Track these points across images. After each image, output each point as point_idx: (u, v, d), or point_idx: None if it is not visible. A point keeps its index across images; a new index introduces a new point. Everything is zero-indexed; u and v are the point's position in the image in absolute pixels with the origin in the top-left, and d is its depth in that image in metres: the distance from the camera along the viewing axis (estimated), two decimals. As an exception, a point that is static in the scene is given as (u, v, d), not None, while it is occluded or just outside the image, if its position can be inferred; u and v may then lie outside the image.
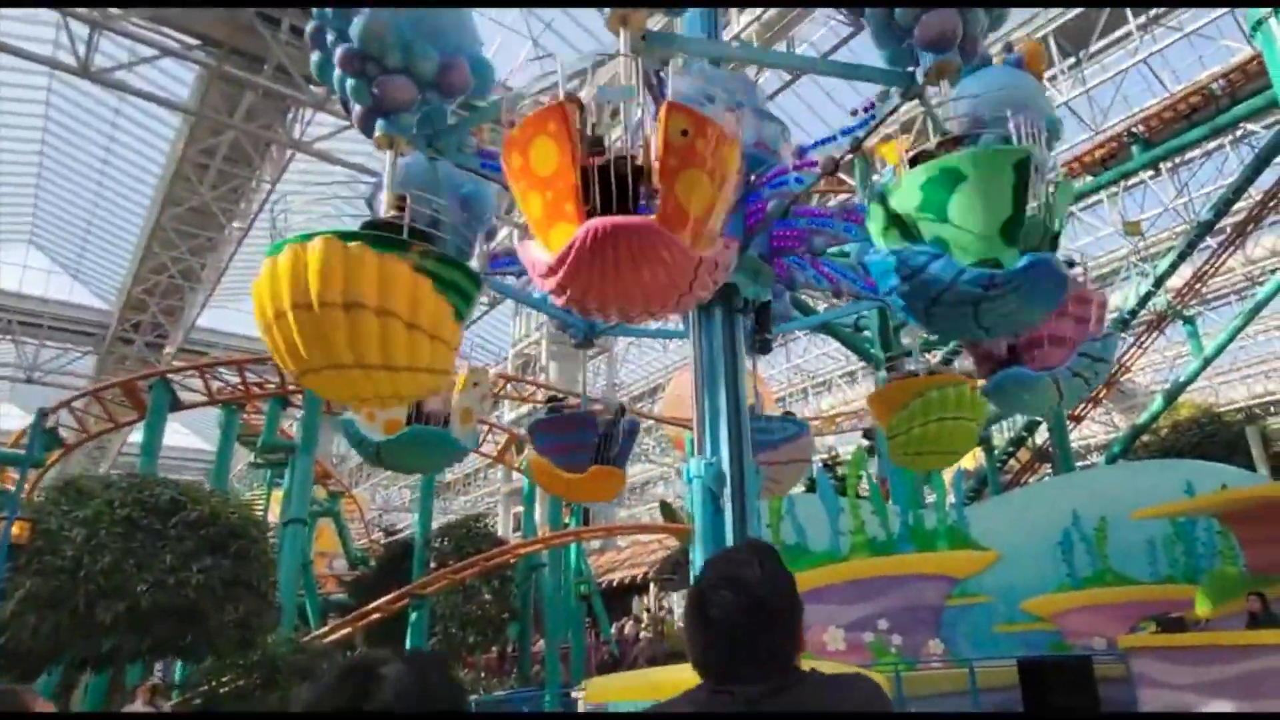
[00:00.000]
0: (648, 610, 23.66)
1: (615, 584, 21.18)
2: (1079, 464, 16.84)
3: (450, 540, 15.96)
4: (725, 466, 4.01)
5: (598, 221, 2.75)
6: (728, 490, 3.96)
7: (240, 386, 14.95)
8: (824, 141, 5.33)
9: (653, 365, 38.96)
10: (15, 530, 7.72)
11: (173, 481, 9.23)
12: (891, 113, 4.08)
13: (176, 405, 13.55)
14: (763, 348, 5.59)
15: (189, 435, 44.23)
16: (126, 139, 23.75)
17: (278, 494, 23.05)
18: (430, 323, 3.45)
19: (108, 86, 18.21)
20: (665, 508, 20.57)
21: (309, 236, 3.33)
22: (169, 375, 13.52)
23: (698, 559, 3.97)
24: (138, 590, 7.69)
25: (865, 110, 4.19)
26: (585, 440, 5.75)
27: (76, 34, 16.78)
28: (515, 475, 29.95)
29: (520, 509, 30.96)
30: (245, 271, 30.49)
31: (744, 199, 4.58)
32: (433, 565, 15.58)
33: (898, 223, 3.36)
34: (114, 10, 16.65)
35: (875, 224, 3.61)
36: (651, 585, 21.42)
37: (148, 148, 23.75)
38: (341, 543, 26.76)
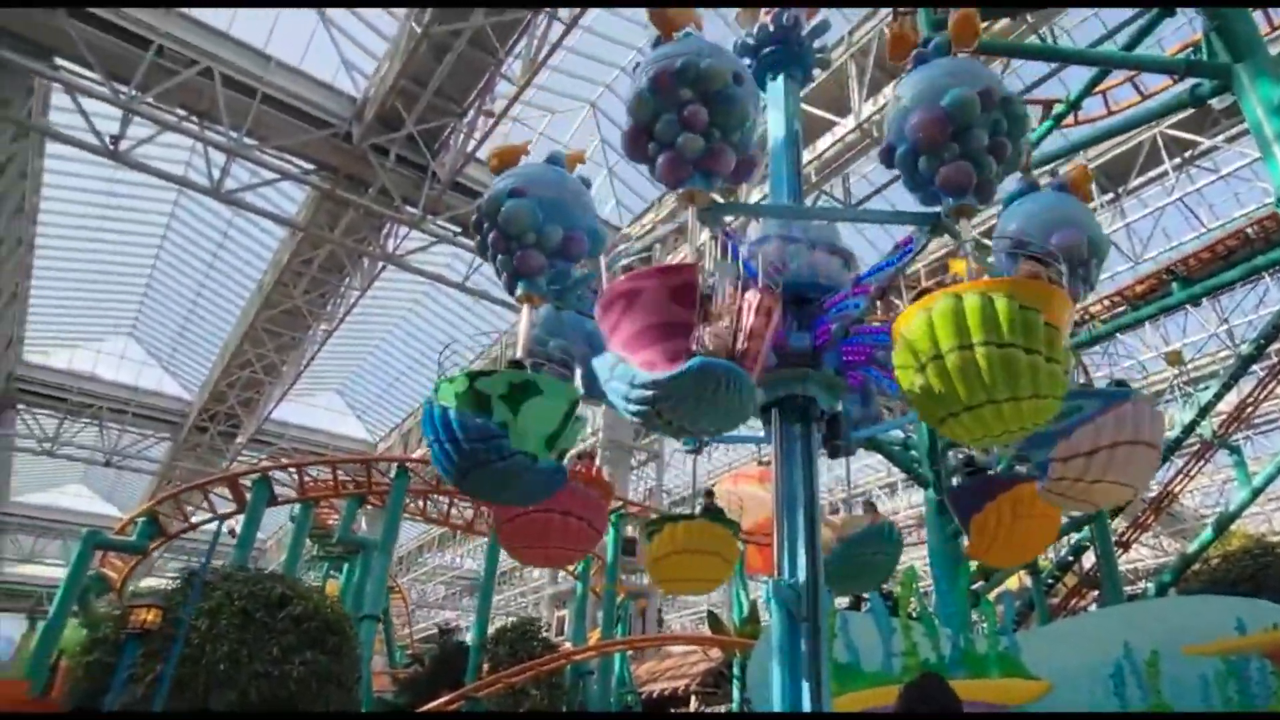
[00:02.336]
0: (687, 725, 23.06)
1: (656, 695, 20.81)
2: (1128, 589, 16.45)
3: (505, 644, 16.26)
4: (802, 586, 4.21)
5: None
6: (803, 609, 4.12)
7: (329, 483, 15.94)
8: (876, 270, 6.09)
9: (698, 470, 39.49)
10: (149, 616, 8.57)
11: (280, 576, 10.03)
12: (923, 247, 4.84)
13: (272, 500, 14.56)
14: (833, 453, 5.92)
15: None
16: (234, 248, 26.30)
17: (332, 585, 23.70)
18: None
19: (232, 205, 20.51)
20: (713, 618, 20.47)
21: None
22: (270, 472, 14.59)
23: (775, 674, 4.08)
24: (247, 680, 8.36)
25: (904, 245, 5.06)
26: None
27: (214, 160, 19.16)
28: (561, 576, 30.20)
29: (563, 613, 30.95)
30: (321, 368, 32.46)
31: (814, 323, 5.14)
32: (485, 666, 15.83)
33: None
34: (248, 140, 19.07)
35: None
36: (693, 698, 21.01)
37: (253, 256, 26.23)
38: (385, 640, 26.89)
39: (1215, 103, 9.02)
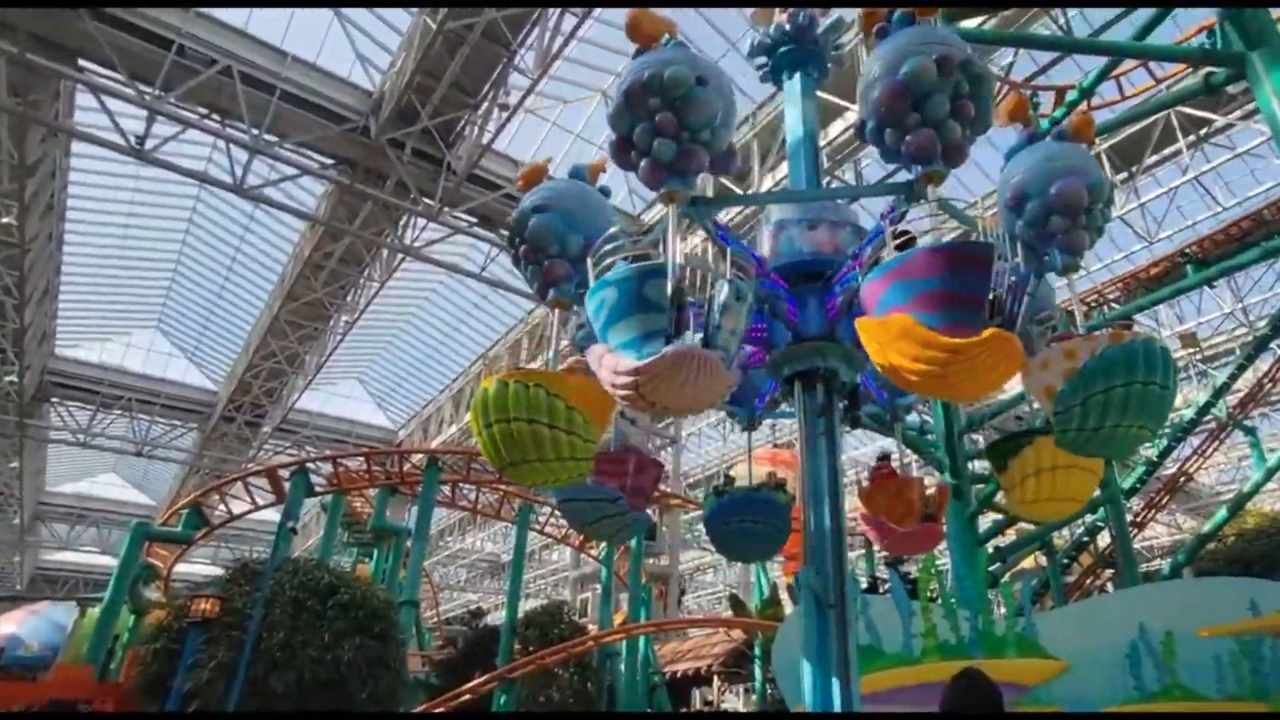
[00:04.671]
0: (708, 703, 23.64)
1: (679, 674, 21.38)
2: (1144, 566, 16.67)
3: (536, 627, 16.74)
4: (830, 573, 4.69)
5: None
6: (831, 595, 4.05)
7: (363, 473, 16.40)
8: (868, 243, 6.21)
9: (711, 454, 40.08)
10: (208, 606, 9.03)
11: (328, 566, 10.48)
12: (904, 214, 4.97)
13: (310, 491, 15.03)
14: (854, 423, 6.05)
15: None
16: (256, 242, 26.71)
17: (362, 569, 24.36)
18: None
19: (254, 200, 20.84)
20: (735, 600, 20.95)
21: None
22: (308, 464, 15.06)
23: (805, 659, 4.53)
24: (302, 664, 8.82)
25: (886, 214, 5.14)
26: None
27: (235, 157, 19.46)
28: (583, 559, 30.80)
29: (586, 595, 31.58)
30: (343, 358, 32.97)
31: (825, 296, 5.35)
32: (517, 649, 16.33)
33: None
34: (268, 136, 19.33)
35: None
36: (715, 678, 21.53)
37: (275, 250, 26.64)
38: (414, 626, 27.54)
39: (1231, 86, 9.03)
